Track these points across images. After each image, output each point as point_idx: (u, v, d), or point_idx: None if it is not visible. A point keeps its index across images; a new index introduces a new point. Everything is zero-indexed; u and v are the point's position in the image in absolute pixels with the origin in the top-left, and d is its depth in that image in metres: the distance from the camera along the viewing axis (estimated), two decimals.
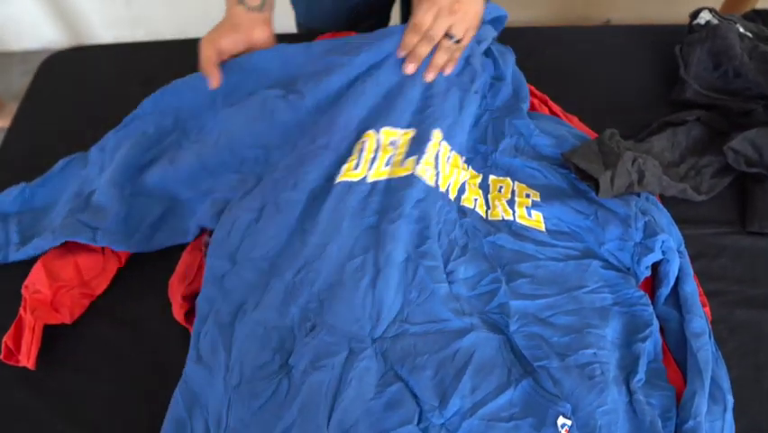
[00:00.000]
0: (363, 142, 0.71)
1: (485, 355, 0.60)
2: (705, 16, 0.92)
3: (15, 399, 0.66)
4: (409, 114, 0.74)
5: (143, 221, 0.74)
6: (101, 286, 0.73)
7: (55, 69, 1.02)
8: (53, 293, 0.69)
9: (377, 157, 0.70)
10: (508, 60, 0.85)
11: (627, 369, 0.62)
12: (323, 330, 0.60)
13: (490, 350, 0.61)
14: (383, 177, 0.69)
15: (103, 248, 0.73)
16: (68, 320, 0.70)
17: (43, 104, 0.97)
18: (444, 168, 0.72)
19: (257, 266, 0.65)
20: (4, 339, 0.66)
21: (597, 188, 0.71)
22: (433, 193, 0.69)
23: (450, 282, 0.65)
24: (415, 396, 0.57)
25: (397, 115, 0.73)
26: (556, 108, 0.87)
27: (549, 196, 0.74)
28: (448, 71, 0.75)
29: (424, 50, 0.73)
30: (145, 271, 0.75)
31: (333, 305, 0.62)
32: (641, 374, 0.62)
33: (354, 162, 0.70)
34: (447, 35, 0.72)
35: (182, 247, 0.75)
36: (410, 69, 0.73)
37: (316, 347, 0.59)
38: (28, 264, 0.72)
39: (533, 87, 0.88)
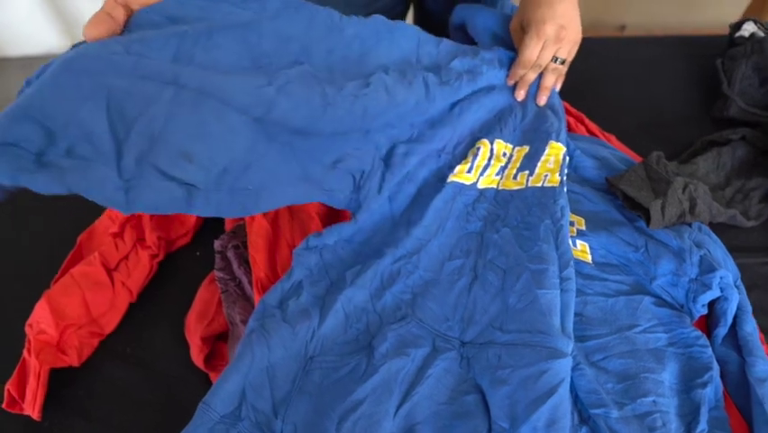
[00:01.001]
0: (478, 148, 0.70)
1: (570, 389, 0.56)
2: (749, 28, 0.87)
3: None
4: (520, 132, 0.74)
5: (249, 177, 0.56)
6: (111, 324, 0.67)
7: None
8: (60, 333, 0.64)
9: (490, 165, 0.70)
10: None
11: (688, 418, 0.57)
12: (412, 322, 0.60)
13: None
14: (492, 185, 0.69)
15: (113, 281, 0.68)
16: (75, 363, 0.65)
17: None
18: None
19: (354, 248, 0.64)
20: (7, 386, 0.61)
21: (646, 218, 0.66)
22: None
23: None
24: (488, 411, 0.55)
25: (508, 133, 0.73)
26: (593, 127, 0.82)
27: (595, 224, 0.69)
28: (558, 88, 0.77)
29: (531, 76, 0.74)
30: (158, 306, 0.70)
31: (426, 301, 0.61)
32: (703, 424, 0.57)
33: (468, 166, 0.69)
34: (553, 58, 0.73)
35: (197, 280, 0.70)
36: (521, 95, 0.75)
37: (402, 335, 0.59)
38: (27, 299, 0.66)
39: (567, 104, 0.83)
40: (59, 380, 0.64)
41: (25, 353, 0.63)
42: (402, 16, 1.05)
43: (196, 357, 0.63)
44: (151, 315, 0.69)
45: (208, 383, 0.63)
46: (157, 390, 0.64)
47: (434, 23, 0.97)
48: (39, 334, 0.63)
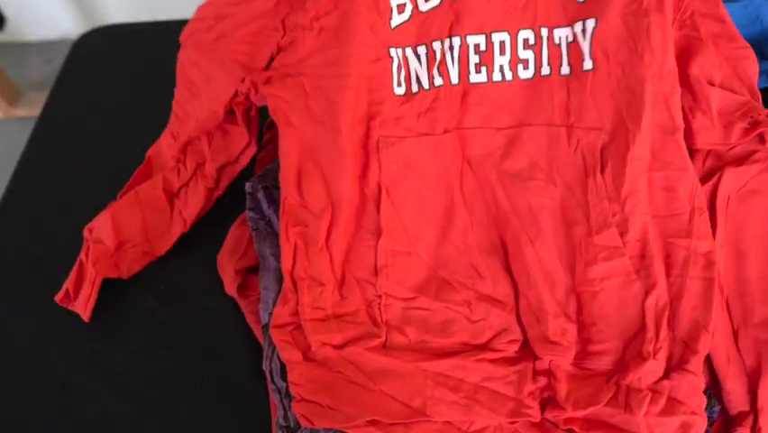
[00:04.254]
0: None
1: None
2: None
3: (64, 374, 0.65)
4: None
5: None
6: (163, 247, 0.71)
7: (88, 46, 1.00)
8: (116, 247, 0.69)
9: None
10: None
11: None
12: None
13: None
14: None
15: (172, 208, 0.72)
16: (125, 276, 0.69)
17: (75, 87, 0.95)
18: None
19: None
20: (66, 285, 0.66)
21: None
22: None
23: None
24: None
25: None
26: None
27: None
28: None
29: None
30: (188, 246, 0.73)
31: None
32: None
33: None
34: None
35: (228, 223, 0.73)
36: None
37: None
38: (94, 206, 0.71)
39: None
40: (98, 310, 0.68)
41: (83, 255, 0.68)
42: None
43: (229, 287, 0.67)
44: (184, 254, 0.73)
45: (237, 315, 0.67)
46: (190, 322, 0.68)
47: None
48: (96, 243, 0.68)
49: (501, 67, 0.61)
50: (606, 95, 0.60)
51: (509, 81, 0.61)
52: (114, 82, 0.94)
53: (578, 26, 0.61)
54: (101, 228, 0.69)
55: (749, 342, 0.57)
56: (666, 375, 0.54)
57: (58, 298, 0.66)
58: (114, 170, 0.77)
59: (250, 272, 0.69)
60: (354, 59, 0.60)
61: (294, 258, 0.60)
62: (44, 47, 1.88)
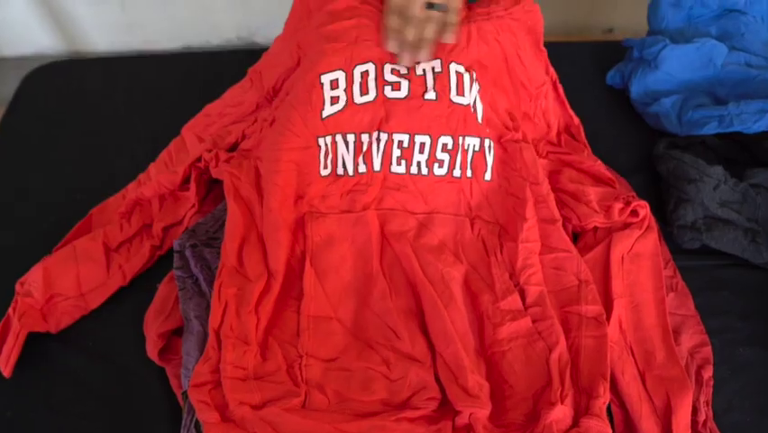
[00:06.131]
0: None
1: None
2: None
3: None
4: None
5: None
6: (97, 301, 0.69)
7: (39, 80, 1.00)
8: (46, 300, 0.67)
9: None
10: None
11: None
12: None
13: None
14: None
15: (109, 262, 0.71)
16: (53, 330, 0.67)
17: (27, 116, 0.94)
18: None
19: None
20: None
21: None
22: None
23: None
24: None
25: None
26: None
27: None
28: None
29: (409, 33, 0.64)
30: (120, 302, 0.71)
31: None
32: None
33: None
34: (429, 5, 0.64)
35: (159, 278, 0.71)
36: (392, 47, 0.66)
37: None
38: (26, 254, 0.70)
39: None
40: (24, 371, 0.65)
41: (10, 310, 0.66)
42: None
43: (151, 351, 0.64)
44: (114, 311, 0.70)
45: (163, 377, 0.64)
46: (115, 382, 0.65)
47: None
48: (26, 296, 0.66)
49: (419, 163, 0.70)
50: (498, 199, 0.73)
51: (425, 176, 0.70)
52: (62, 116, 0.95)
53: (486, 141, 0.73)
54: (32, 280, 0.67)
55: (655, 382, 0.62)
56: (575, 424, 0.57)
57: None
58: (52, 215, 0.78)
59: (175, 334, 0.67)
60: (284, 147, 0.68)
61: (222, 317, 0.62)
62: (20, 62, 1.86)
